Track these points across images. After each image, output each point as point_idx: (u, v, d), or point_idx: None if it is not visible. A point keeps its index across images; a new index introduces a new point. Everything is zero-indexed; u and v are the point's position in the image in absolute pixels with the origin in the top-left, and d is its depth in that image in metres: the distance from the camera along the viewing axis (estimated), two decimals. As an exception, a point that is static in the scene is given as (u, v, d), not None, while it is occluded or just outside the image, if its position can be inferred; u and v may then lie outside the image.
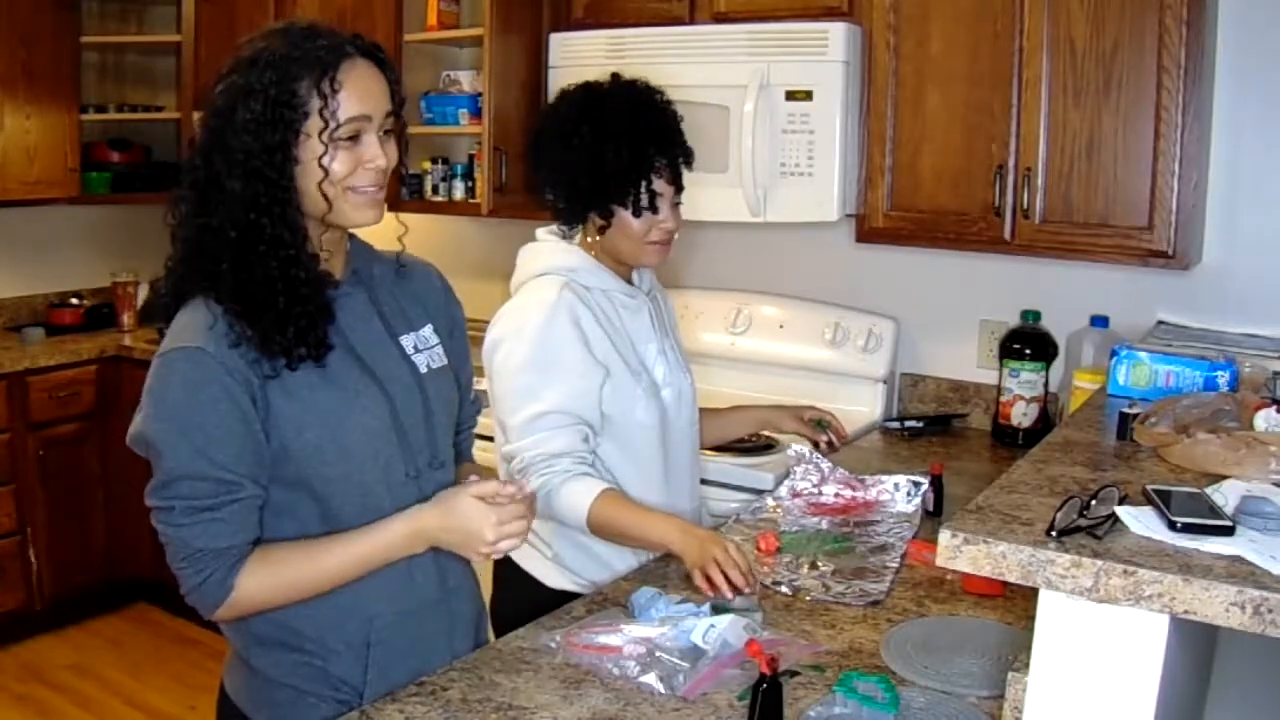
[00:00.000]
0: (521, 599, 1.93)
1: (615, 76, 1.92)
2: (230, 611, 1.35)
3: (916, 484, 2.17)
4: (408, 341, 1.50)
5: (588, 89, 1.89)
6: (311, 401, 1.36)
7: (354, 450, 1.40)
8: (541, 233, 1.99)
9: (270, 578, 1.35)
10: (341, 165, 1.34)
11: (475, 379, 1.71)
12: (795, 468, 2.24)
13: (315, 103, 1.31)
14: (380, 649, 1.46)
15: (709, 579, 1.68)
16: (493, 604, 1.99)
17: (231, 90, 1.32)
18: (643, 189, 1.85)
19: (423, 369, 1.50)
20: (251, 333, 1.32)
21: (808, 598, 1.74)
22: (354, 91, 1.33)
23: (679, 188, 1.91)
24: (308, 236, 1.38)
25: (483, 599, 1.68)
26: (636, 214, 1.86)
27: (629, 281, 1.98)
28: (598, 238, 1.92)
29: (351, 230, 1.46)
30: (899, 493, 2.17)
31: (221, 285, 1.33)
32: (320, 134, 1.32)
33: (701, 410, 2.18)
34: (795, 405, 2.30)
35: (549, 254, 1.93)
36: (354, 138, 1.35)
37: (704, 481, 2.22)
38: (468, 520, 1.39)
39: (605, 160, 1.83)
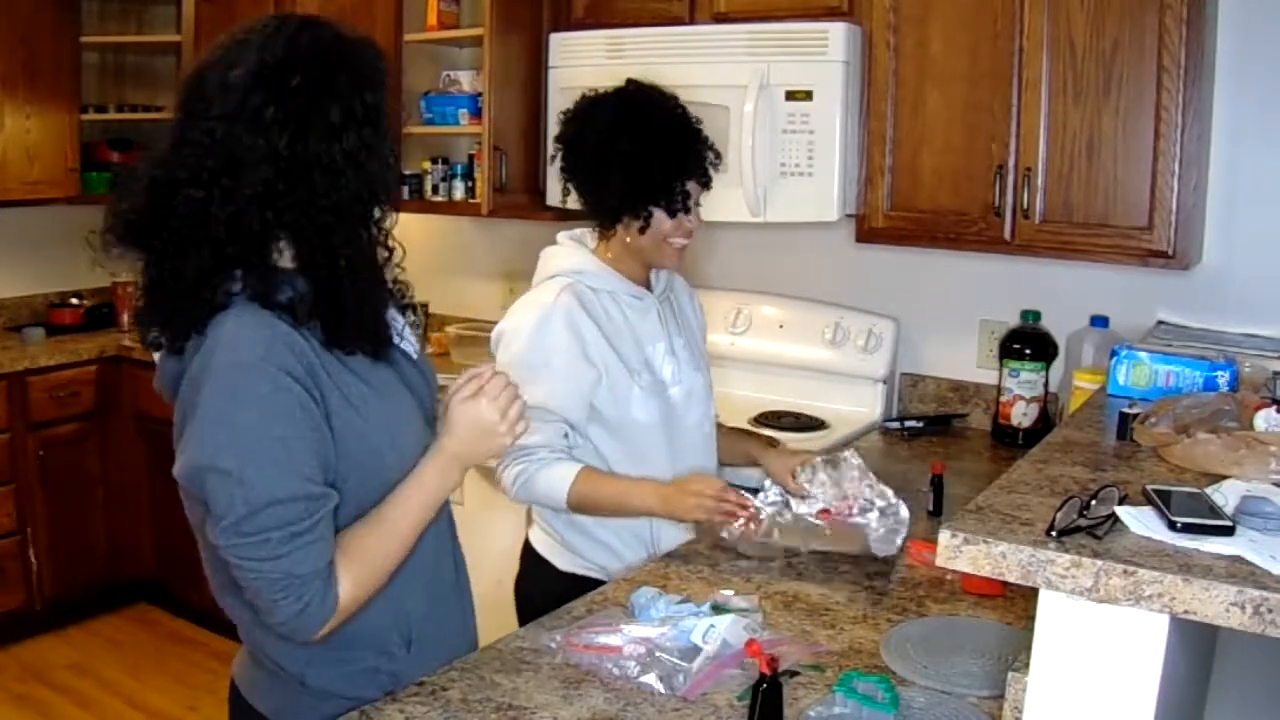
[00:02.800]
0: (539, 581, 2.04)
1: (633, 83, 1.95)
2: (335, 622, 1.29)
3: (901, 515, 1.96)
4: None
5: (621, 98, 1.93)
6: (369, 412, 1.34)
7: (404, 453, 1.39)
8: (561, 236, 2.04)
9: (362, 573, 1.31)
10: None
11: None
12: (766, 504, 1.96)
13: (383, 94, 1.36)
14: (418, 644, 1.46)
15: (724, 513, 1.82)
16: (517, 584, 2.09)
17: (316, 88, 1.28)
18: (677, 190, 1.91)
19: (414, 355, 1.51)
20: (324, 326, 1.30)
21: (804, 550, 1.83)
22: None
23: (708, 189, 1.97)
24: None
25: None
26: (672, 215, 1.91)
27: (645, 284, 2.02)
28: (627, 240, 1.95)
29: None
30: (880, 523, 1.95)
31: (283, 280, 1.30)
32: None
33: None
34: (791, 453, 2.10)
35: (561, 257, 1.99)
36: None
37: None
38: (473, 421, 1.39)
39: (649, 169, 1.88)
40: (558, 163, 1.97)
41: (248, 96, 1.27)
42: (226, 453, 1.22)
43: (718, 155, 1.96)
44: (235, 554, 1.24)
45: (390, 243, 1.42)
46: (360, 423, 1.33)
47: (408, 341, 1.50)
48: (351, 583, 1.30)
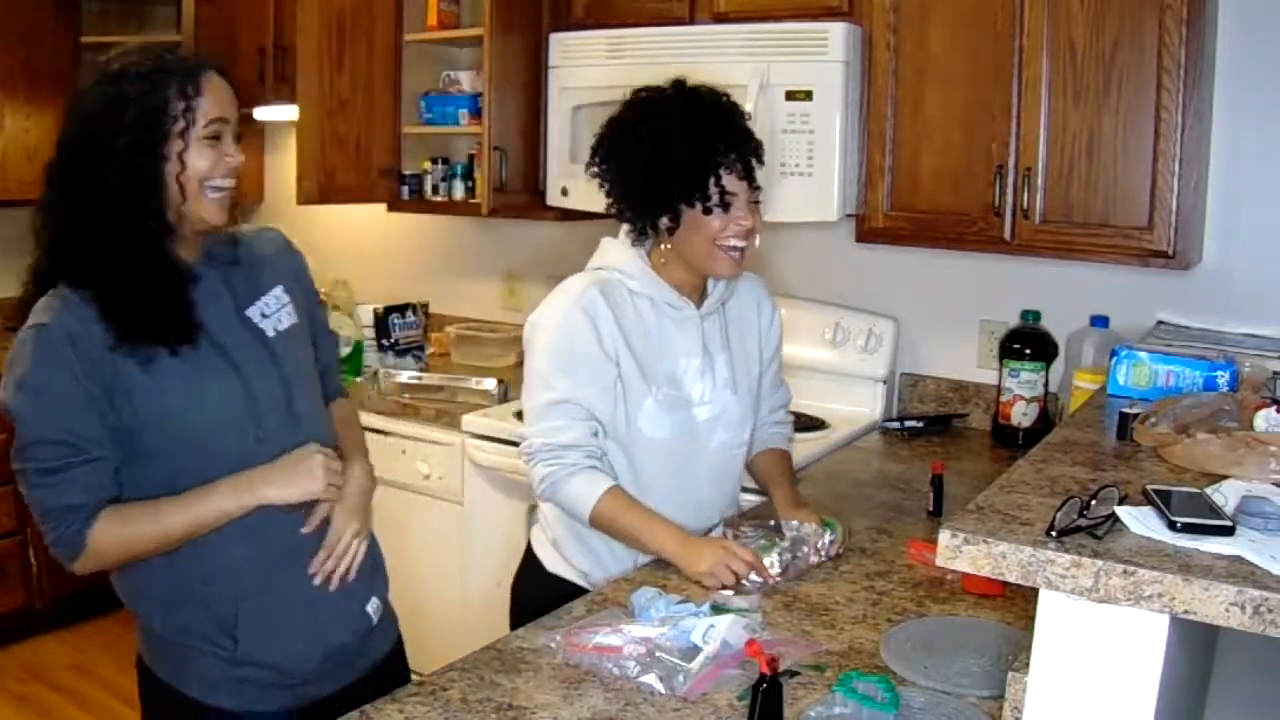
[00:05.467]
0: (528, 578, 2.04)
1: (680, 81, 1.87)
2: (86, 563, 1.48)
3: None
4: (254, 311, 1.61)
5: (646, 91, 1.87)
6: (168, 375, 1.49)
7: (209, 418, 1.52)
8: (623, 232, 1.94)
9: (119, 533, 1.47)
10: (204, 161, 1.49)
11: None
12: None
13: (179, 105, 1.47)
14: (248, 602, 1.56)
15: (721, 577, 1.76)
16: (514, 580, 2.08)
17: (104, 98, 1.47)
18: (711, 185, 1.80)
19: (270, 333, 1.61)
20: (118, 322, 1.45)
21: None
22: (212, 97, 1.50)
23: (752, 184, 1.84)
24: (173, 231, 1.51)
25: (378, 557, 1.78)
26: (707, 212, 1.81)
27: (696, 294, 1.93)
28: (668, 247, 1.87)
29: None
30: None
31: (90, 277, 1.46)
32: (183, 133, 1.48)
33: (764, 454, 2.09)
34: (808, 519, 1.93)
35: (609, 251, 1.93)
36: (216, 137, 1.51)
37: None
38: (297, 459, 1.56)
39: (667, 156, 1.79)
40: (593, 169, 1.89)
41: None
42: (10, 396, 1.45)
43: (760, 147, 1.85)
44: (17, 480, 1.47)
45: (169, 245, 1.51)
46: (156, 385, 1.47)
47: (269, 320, 1.62)
48: (105, 538, 1.47)
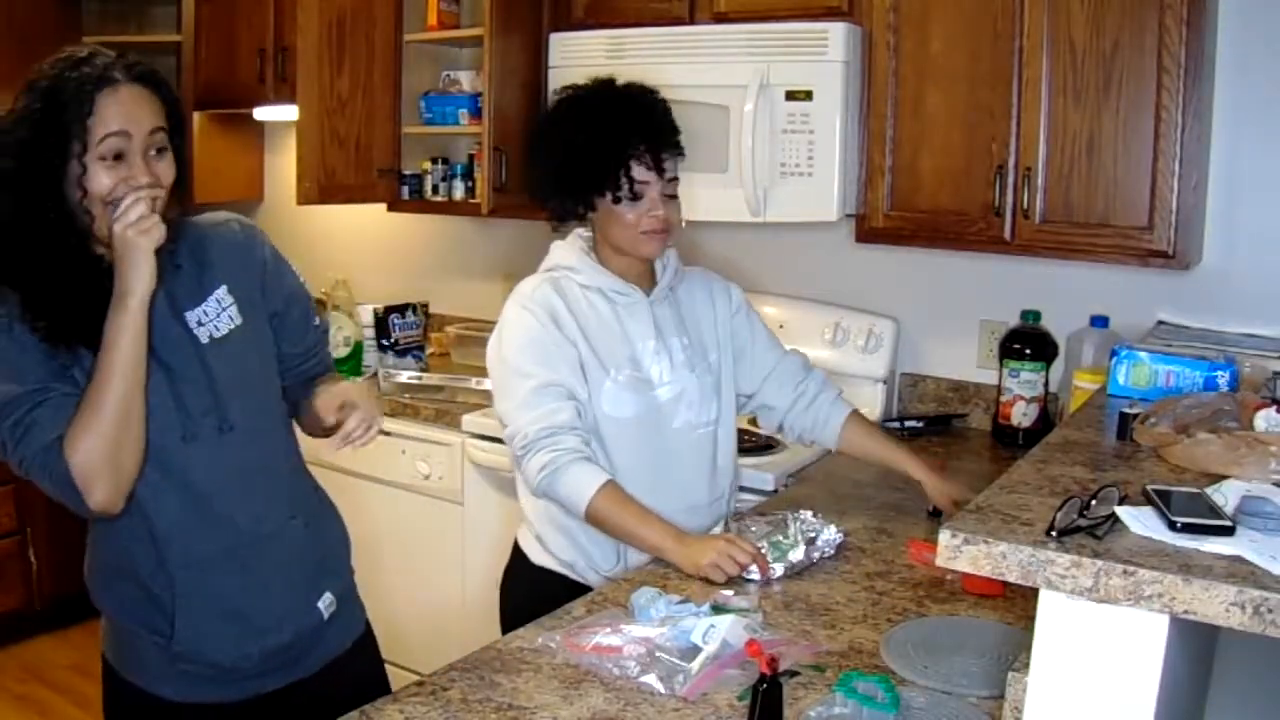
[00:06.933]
0: (516, 573, 2.06)
1: (598, 79, 1.96)
2: (90, 479, 1.43)
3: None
4: (192, 316, 1.56)
5: (568, 89, 1.96)
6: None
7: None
8: (571, 234, 2.05)
9: (76, 427, 1.42)
10: (105, 180, 1.42)
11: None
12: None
13: (76, 127, 1.40)
14: (185, 597, 1.57)
15: (725, 568, 1.78)
16: (503, 576, 2.10)
17: (9, 116, 1.43)
18: (621, 176, 1.87)
19: (204, 340, 1.56)
20: (44, 321, 1.43)
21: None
22: (111, 113, 1.41)
23: (663, 175, 1.90)
24: (86, 241, 1.46)
25: (332, 548, 1.78)
26: (616, 201, 1.88)
27: (644, 280, 2.00)
28: (603, 235, 1.96)
29: None
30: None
31: (13, 280, 1.45)
32: (80, 156, 1.41)
33: (844, 429, 2.11)
34: (953, 484, 2.06)
35: (556, 253, 2.02)
36: (118, 155, 1.42)
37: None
38: (120, 251, 1.43)
39: (579, 150, 1.88)
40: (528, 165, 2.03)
41: None
42: None
43: (671, 139, 1.90)
44: (10, 461, 1.46)
45: (82, 256, 1.48)
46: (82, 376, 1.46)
47: (205, 327, 1.56)
48: (71, 442, 1.42)
